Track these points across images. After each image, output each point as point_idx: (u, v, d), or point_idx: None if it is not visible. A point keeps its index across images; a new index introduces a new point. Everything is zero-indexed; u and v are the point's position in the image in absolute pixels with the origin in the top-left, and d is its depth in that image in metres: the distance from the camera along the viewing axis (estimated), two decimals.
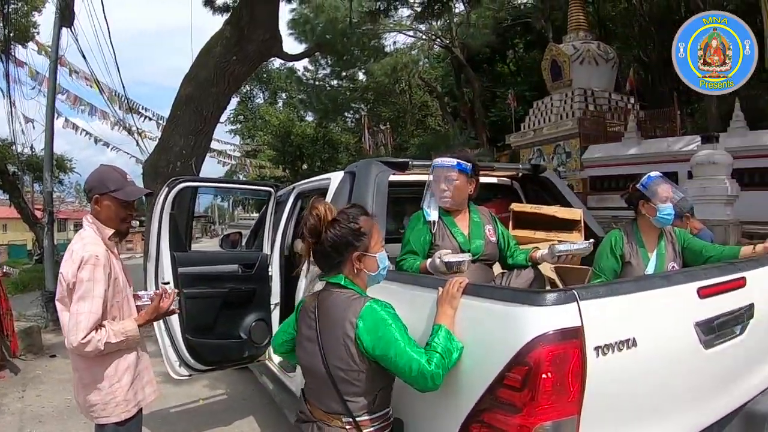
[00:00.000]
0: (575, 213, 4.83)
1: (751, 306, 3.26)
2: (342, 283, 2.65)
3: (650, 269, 3.96)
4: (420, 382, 2.43)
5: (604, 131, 27.23)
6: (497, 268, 4.16)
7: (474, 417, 2.46)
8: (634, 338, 2.45)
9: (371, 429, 2.56)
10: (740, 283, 3.21)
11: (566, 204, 5.16)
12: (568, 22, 31.88)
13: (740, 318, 3.18)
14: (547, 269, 4.63)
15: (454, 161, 3.84)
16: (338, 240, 2.60)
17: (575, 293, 2.33)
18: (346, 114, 53.78)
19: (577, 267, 4.63)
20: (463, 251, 3.77)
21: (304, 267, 2.89)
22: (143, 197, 5.13)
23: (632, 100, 30.45)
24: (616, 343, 2.39)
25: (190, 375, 5.16)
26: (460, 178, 3.84)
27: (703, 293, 2.90)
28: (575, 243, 3.68)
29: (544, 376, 2.22)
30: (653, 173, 4.06)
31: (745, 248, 3.97)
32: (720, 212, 13.98)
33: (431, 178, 3.95)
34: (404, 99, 50.10)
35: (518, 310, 2.32)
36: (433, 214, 3.87)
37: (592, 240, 3.86)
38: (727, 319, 3.06)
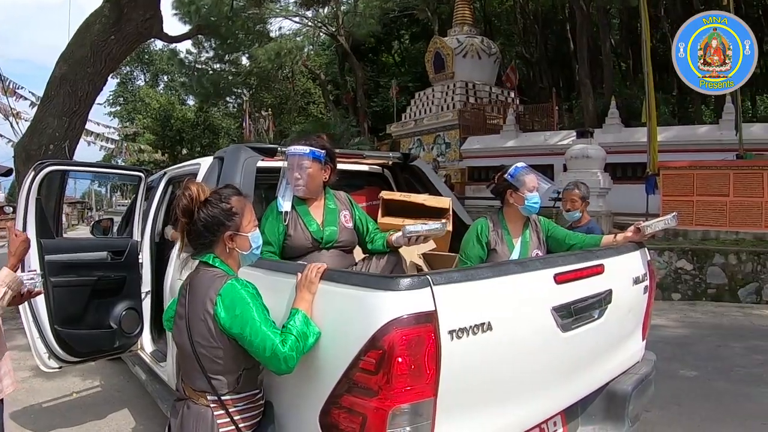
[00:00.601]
0: (444, 201, 4.85)
1: (610, 292, 3.39)
2: (210, 261, 2.65)
3: (515, 256, 4.04)
4: (274, 363, 2.44)
5: (483, 123, 27.90)
6: (360, 254, 4.15)
7: (333, 400, 2.45)
8: (489, 322, 2.50)
9: (235, 409, 2.57)
10: (598, 270, 3.33)
11: (436, 192, 5.20)
12: (454, 17, 32.57)
13: (598, 303, 3.30)
14: (414, 256, 4.66)
15: (306, 149, 3.79)
16: (210, 220, 2.60)
17: (429, 278, 2.35)
18: (228, 99, 53.10)
19: (444, 254, 4.68)
20: (315, 239, 3.79)
21: (175, 251, 2.84)
22: (15, 179, 4.92)
23: (512, 95, 31.25)
24: (470, 327, 2.43)
25: (60, 367, 4.98)
26: (313, 166, 3.80)
27: (560, 279, 2.99)
28: (427, 224, 3.65)
29: (399, 359, 2.23)
30: (519, 164, 4.13)
31: (607, 237, 4.12)
32: (593, 204, 14.49)
33: (286, 165, 3.89)
34: (287, 85, 49.99)
35: (372, 295, 2.33)
36: (285, 205, 3.83)
37: (445, 221, 3.88)
38: (584, 304, 3.16)
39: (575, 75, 33.69)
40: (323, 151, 3.84)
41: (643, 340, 4.05)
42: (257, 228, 2.79)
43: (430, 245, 4.71)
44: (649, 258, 4.00)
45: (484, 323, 2.48)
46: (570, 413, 3.38)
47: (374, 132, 38.85)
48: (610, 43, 32.19)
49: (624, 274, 3.67)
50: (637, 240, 3.95)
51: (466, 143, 26.83)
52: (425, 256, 4.73)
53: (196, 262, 2.73)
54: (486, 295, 2.60)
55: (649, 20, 17.41)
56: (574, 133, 18.82)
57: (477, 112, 28.69)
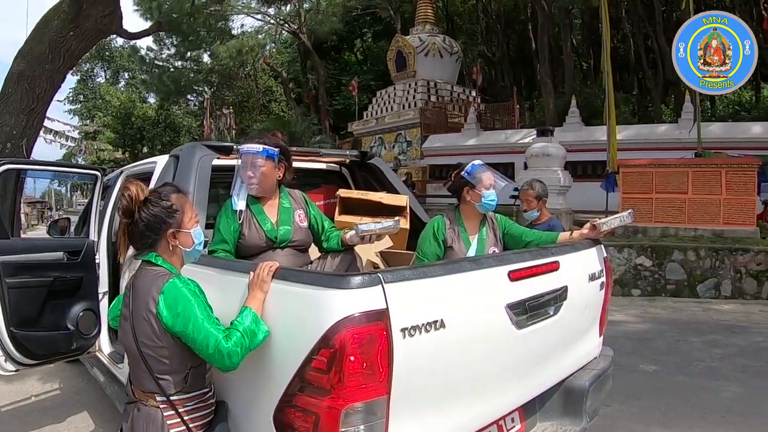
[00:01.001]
0: (401, 199, 4.87)
1: (565, 288, 3.40)
2: (153, 260, 2.63)
3: (471, 253, 4.04)
4: (218, 359, 2.43)
5: (445, 122, 28.02)
6: (316, 253, 4.13)
7: (287, 399, 2.43)
8: (442, 320, 2.49)
9: (185, 409, 2.54)
10: (553, 267, 3.34)
11: (393, 190, 5.21)
12: (416, 15, 32.73)
13: (554, 300, 3.31)
14: (371, 254, 4.65)
15: (259, 147, 3.76)
16: (152, 219, 2.57)
17: (380, 276, 2.34)
18: (189, 96, 52.82)
19: (402, 252, 4.68)
20: (269, 238, 3.76)
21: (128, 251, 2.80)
22: None
23: (474, 93, 31.36)
24: (423, 324, 2.42)
25: (17, 370, 4.87)
26: (266, 165, 3.76)
27: (514, 276, 2.99)
28: (380, 222, 3.66)
29: (351, 358, 2.22)
30: (476, 162, 4.12)
31: (563, 234, 4.13)
32: (553, 201, 14.61)
33: (239, 164, 3.87)
34: (249, 83, 49.73)
35: (323, 293, 2.31)
36: (240, 204, 3.81)
37: (398, 219, 3.87)
38: (539, 301, 3.17)
39: (536, 74, 33.92)
40: (277, 149, 3.81)
41: (600, 336, 4.07)
42: (198, 224, 2.77)
43: (388, 243, 4.71)
44: (605, 254, 4.03)
45: (436, 321, 2.47)
46: (528, 409, 3.39)
47: (336, 130, 38.89)
48: (571, 42, 32.52)
49: (580, 270, 3.68)
50: (593, 237, 3.96)
51: (427, 141, 26.97)
52: (382, 254, 4.72)
53: (140, 261, 2.70)
54: (439, 292, 2.58)
55: (610, 21, 17.55)
56: (535, 132, 18.95)
57: (438, 111, 28.86)
